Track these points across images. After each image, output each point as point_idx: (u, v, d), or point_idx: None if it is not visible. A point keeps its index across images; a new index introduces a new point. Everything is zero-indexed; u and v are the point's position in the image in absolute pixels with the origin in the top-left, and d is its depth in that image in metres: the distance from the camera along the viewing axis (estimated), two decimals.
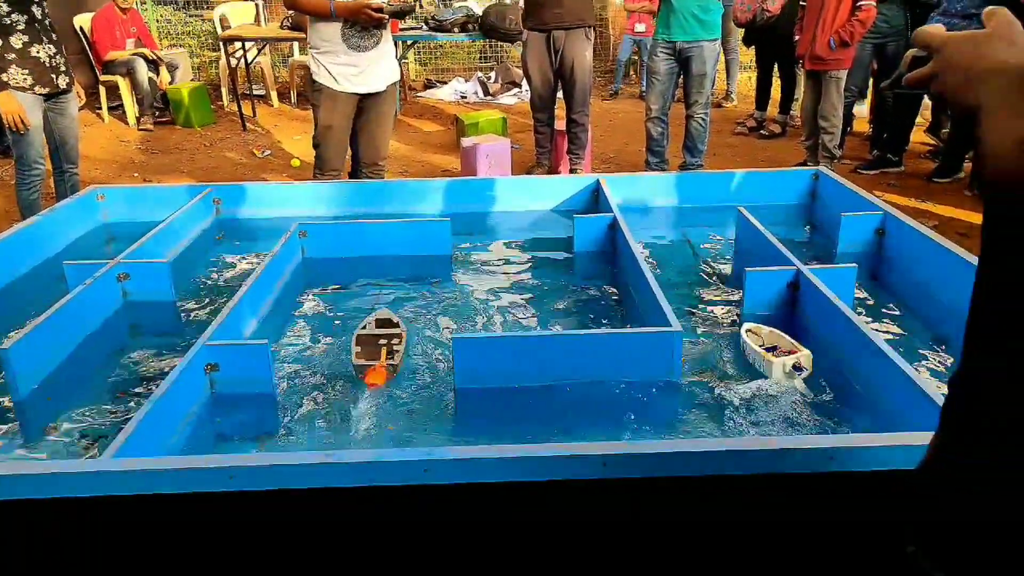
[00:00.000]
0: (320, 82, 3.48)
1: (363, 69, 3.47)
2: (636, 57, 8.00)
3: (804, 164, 4.94)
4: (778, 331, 2.14)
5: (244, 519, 1.41)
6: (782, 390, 1.93)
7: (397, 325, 2.21)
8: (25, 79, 3.58)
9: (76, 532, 1.41)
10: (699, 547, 1.46)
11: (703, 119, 4.88)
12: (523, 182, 3.44)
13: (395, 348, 2.11)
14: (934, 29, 0.85)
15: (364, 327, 2.21)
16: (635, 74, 8.16)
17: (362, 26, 3.38)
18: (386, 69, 3.58)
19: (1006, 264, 0.77)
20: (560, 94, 4.98)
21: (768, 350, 2.05)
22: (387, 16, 3.37)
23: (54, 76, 3.68)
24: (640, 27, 7.34)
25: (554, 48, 4.75)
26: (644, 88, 7.90)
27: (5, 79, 3.52)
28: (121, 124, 6.93)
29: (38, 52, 3.61)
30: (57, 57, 3.70)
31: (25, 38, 3.56)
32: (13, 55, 3.53)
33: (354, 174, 3.78)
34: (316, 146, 3.61)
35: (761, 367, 2.03)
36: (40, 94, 3.65)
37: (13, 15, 3.52)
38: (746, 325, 2.18)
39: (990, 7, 0.83)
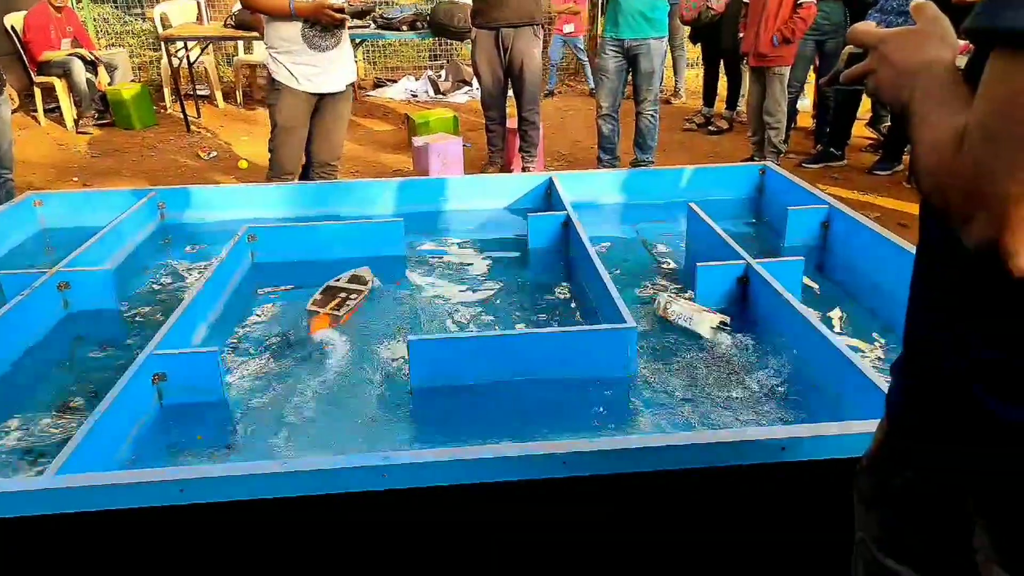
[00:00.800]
0: (281, 82, 3.41)
1: (323, 69, 3.43)
2: (584, 58, 8.03)
3: (751, 159, 5.04)
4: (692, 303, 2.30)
5: (196, 533, 1.37)
6: (730, 369, 1.97)
7: (366, 283, 2.32)
8: None
9: (20, 554, 1.35)
10: (662, 541, 1.48)
11: (652, 116, 4.94)
12: (476, 181, 3.43)
13: (349, 302, 2.20)
14: (867, 27, 0.87)
15: (338, 279, 2.34)
16: (582, 72, 8.20)
17: (323, 26, 3.33)
18: (345, 69, 3.54)
19: (940, 254, 0.79)
20: (511, 92, 4.98)
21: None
22: (348, 16, 3.34)
23: None
24: (568, 27, 7.36)
25: (503, 46, 4.74)
26: (590, 86, 7.96)
27: None
28: (59, 127, 6.70)
29: None
30: None
31: None
32: None
33: (305, 175, 3.72)
34: (272, 149, 3.54)
35: (687, 323, 2.15)
36: None
37: None
38: (664, 296, 2.32)
39: (918, 1, 0.85)
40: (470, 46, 5.11)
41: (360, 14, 3.50)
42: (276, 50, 3.40)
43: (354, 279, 2.33)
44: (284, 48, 3.37)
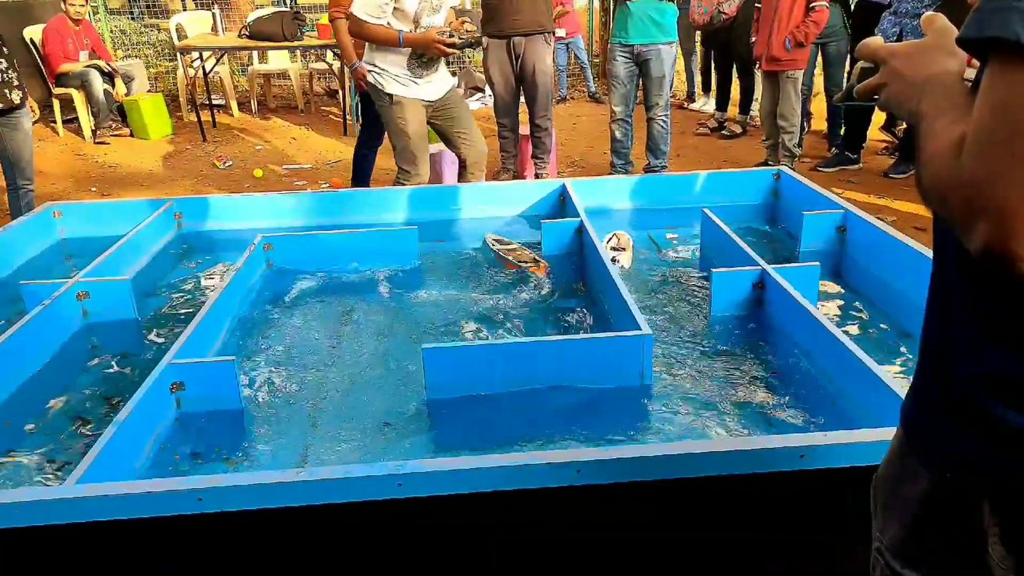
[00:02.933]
0: (400, 94, 3.37)
1: (425, 85, 3.44)
2: (584, 59, 8.03)
3: (765, 164, 5.01)
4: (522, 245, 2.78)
5: (215, 542, 1.38)
6: (747, 376, 1.97)
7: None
8: None
9: (41, 563, 1.37)
10: (677, 549, 1.47)
11: (664, 121, 4.93)
12: (489, 188, 3.43)
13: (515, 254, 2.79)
14: (878, 42, 0.88)
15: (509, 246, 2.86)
16: (600, 77, 8.20)
17: (429, 57, 3.34)
18: (444, 79, 3.55)
19: (951, 260, 0.79)
20: (523, 99, 4.99)
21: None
22: (458, 50, 3.34)
23: (7, 91, 3.59)
24: (560, 31, 7.33)
25: (514, 54, 4.76)
26: (591, 89, 7.95)
27: None
28: (77, 138, 6.78)
29: None
30: (9, 72, 3.61)
31: None
32: None
33: (461, 176, 3.73)
34: (410, 160, 3.46)
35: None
36: None
37: None
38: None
39: (929, 14, 0.86)
40: (482, 54, 5.12)
41: (468, 45, 3.48)
42: (388, 72, 3.37)
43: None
44: (395, 71, 3.36)
